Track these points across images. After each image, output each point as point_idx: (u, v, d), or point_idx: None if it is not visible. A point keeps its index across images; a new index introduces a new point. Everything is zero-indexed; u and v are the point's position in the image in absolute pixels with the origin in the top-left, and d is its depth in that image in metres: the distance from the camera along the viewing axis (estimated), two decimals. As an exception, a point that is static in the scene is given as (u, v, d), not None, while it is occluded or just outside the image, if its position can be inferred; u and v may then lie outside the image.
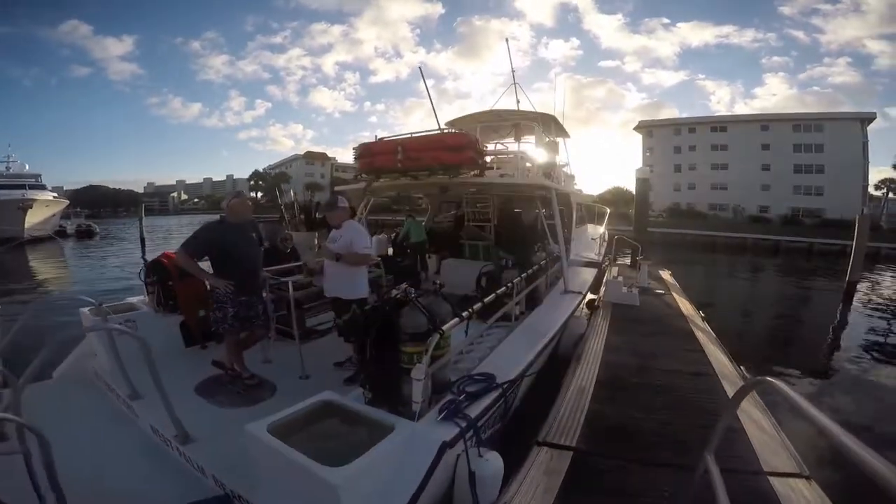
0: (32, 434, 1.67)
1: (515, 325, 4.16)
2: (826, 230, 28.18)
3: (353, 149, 5.43)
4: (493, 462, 2.27)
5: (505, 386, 2.80)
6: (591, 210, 12.20)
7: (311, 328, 4.33)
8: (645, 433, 3.10)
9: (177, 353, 4.08)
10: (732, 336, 6.76)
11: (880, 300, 12.15)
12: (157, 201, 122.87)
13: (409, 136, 4.98)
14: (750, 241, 26.20)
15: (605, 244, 10.81)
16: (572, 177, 9.30)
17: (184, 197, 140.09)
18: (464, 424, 2.30)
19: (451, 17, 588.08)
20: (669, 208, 42.09)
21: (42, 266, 17.97)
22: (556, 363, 4.62)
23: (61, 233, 30.45)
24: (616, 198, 42.27)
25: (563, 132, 8.50)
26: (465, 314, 2.95)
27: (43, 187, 31.25)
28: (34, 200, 26.20)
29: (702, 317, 6.68)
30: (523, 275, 4.61)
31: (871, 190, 40.05)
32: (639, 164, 45.22)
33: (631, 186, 29.42)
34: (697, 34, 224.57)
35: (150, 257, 4.57)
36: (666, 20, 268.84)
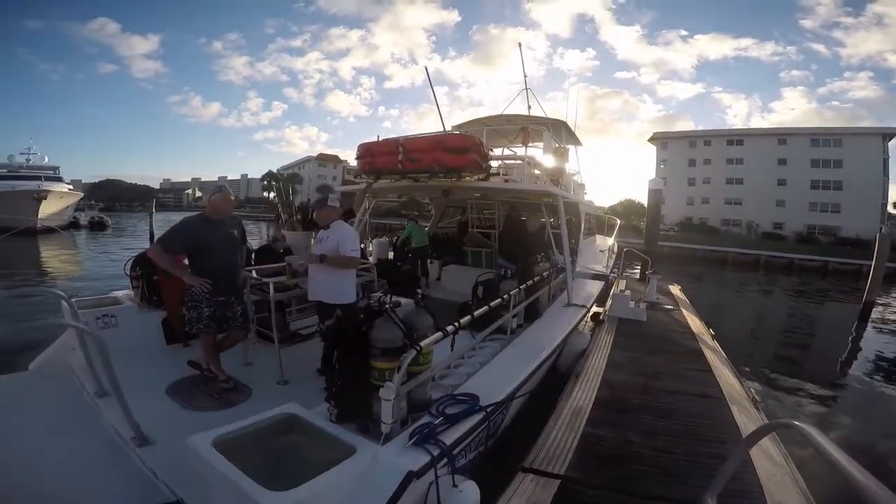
0: None
1: (511, 339, 3.92)
2: (842, 249, 27.56)
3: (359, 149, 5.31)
4: (468, 493, 2.04)
5: (489, 409, 2.53)
6: (601, 221, 11.94)
7: (295, 332, 4.15)
8: (641, 462, 2.86)
9: (156, 351, 3.92)
10: (742, 355, 6.50)
11: (897, 321, 11.73)
12: (172, 197, 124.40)
13: (411, 136, 4.83)
14: (763, 258, 25.64)
15: (613, 256, 10.50)
16: (582, 185, 9.06)
17: (198, 194, 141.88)
18: (436, 452, 2.04)
19: (467, 25, 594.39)
20: (681, 222, 41.30)
21: (50, 255, 18.13)
22: (556, 379, 4.39)
23: (75, 224, 30.97)
24: (627, 210, 41.83)
25: (574, 139, 8.27)
26: (449, 328, 2.67)
27: (59, 179, 31.71)
28: (49, 192, 26.60)
29: (711, 335, 6.38)
30: (522, 286, 4.37)
31: (889, 208, 38.96)
32: (652, 176, 44.63)
33: (643, 199, 28.96)
34: (715, 47, 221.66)
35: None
36: (684, 32, 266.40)
